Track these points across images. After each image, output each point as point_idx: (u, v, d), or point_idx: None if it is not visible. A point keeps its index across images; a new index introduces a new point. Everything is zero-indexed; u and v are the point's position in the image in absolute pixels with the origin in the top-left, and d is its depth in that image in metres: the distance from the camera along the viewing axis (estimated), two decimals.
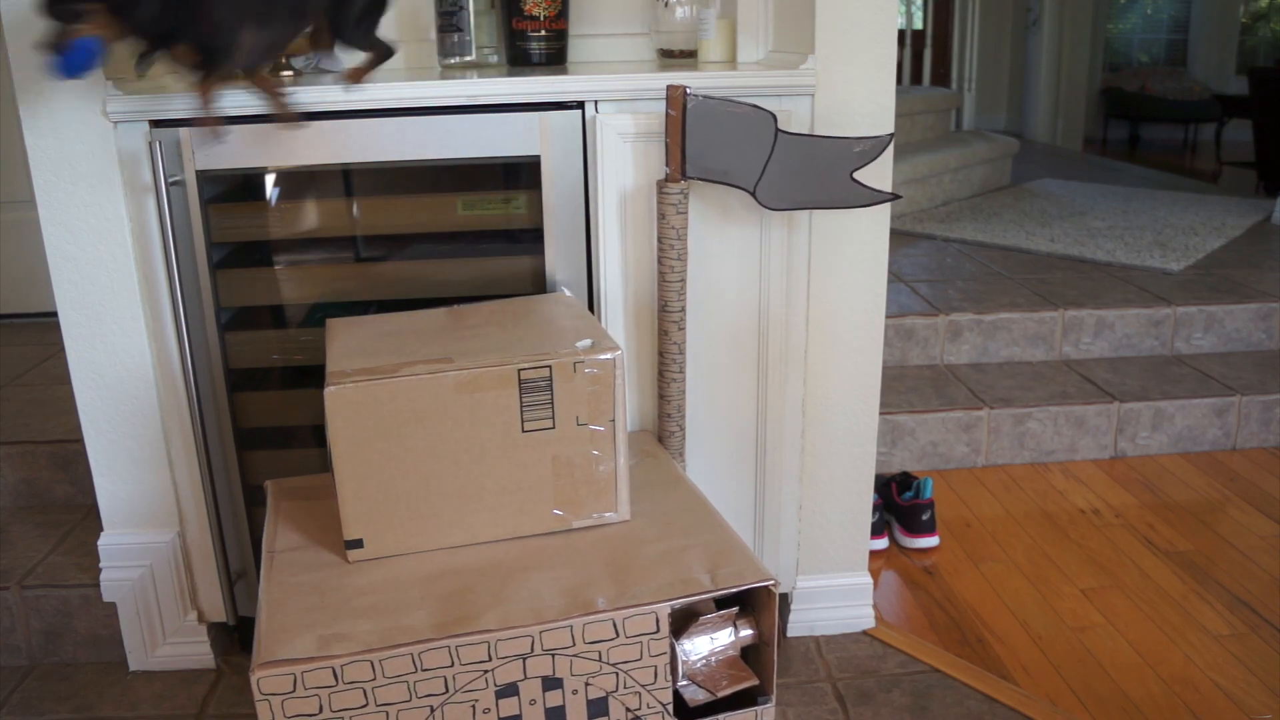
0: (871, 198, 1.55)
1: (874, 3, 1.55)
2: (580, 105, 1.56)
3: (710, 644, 1.25)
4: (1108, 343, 2.87)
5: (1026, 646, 1.81)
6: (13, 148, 2.74)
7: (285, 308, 1.67)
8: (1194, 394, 2.61)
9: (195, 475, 1.68)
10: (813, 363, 1.72)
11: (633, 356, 1.67)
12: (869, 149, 1.53)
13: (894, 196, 1.57)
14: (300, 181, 1.62)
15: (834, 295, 1.69)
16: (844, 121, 1.60)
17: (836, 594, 1.84)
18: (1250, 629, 1.86)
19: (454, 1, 1.71)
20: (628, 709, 1.19)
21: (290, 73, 1.73)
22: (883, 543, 2.17)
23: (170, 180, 1.53)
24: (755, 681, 1.25)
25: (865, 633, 1.85)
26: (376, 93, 1.52)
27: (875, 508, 2.16)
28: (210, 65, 1.36)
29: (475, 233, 1.65)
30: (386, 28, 1.83)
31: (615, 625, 1.15)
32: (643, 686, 1.18)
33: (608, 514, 1.34)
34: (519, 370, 1.26)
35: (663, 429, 1.65)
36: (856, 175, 1.54)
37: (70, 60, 1.23)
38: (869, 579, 1.85)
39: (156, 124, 1.52)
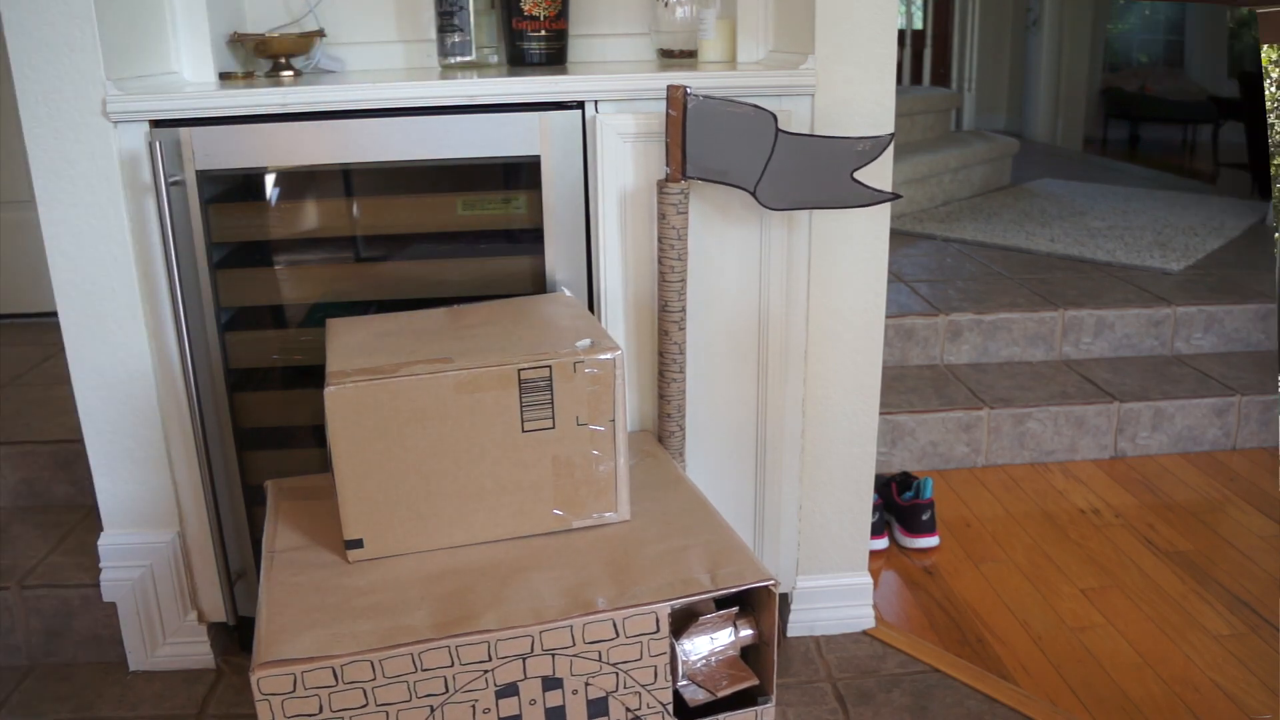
0: (871, 198, 1.55)
1: (874, 3, 1.55)
2: (580, 105, 1.56)
3: (710, 644, 1.25)
4: (1108, 343, 2.87)
5: (1026, 646, 1.81)
6: (13, 148, 2.74)
7: (285, 308, 1.67)
8: (1194, 394, 2.61)
9: (195, 475, 1.68)
10: (813, 363, 1.72)
11: (633, 356, 1.67)
12: (869, 149, 1.53)
13: (894, 196, 1.57)
14: (300, 181, 1.61)
15: (834, 295, 1.68)
16: (844, 121, 1.60)
17: (836, 594, 1.84)
18: (1250, 629, 1.86)
19: (454, 1, 1.71)
20: (628, 709, 1.19)
21: (290, 73, 1.73)
22: (883, 543, 2.17)
23: (170, 180, 1.52)
24: (755, 681, 1.25)
25: (865, 633, 1.85)
26: (376, 93, 1.52)
27: (875, 508, 2.16)
28: None
29: (475, 233, 1.65)
30: (387, 27, 1.84)
31: (615, 625, 1.15)
32: (643, 686, 1.18)
33: (608, 514, 1.34)
34: (519, 370, 1.26)
35: (663, 429, 1.65)
36: (856, 175, 1.54)
37: None
38: (869, 579, 1.85)
39: (156, 124, 1.52)
